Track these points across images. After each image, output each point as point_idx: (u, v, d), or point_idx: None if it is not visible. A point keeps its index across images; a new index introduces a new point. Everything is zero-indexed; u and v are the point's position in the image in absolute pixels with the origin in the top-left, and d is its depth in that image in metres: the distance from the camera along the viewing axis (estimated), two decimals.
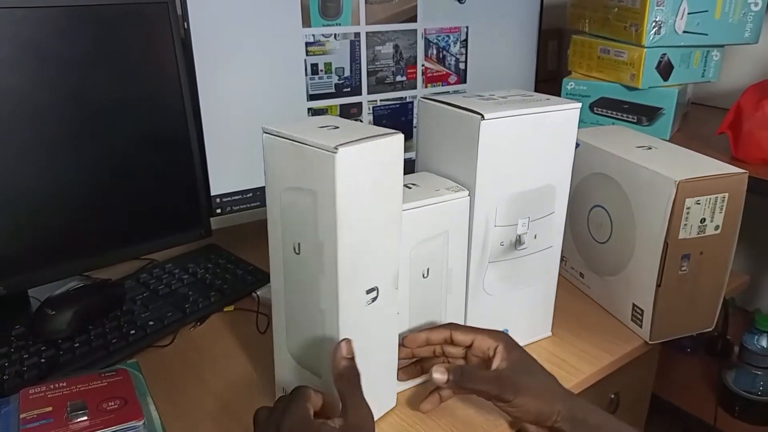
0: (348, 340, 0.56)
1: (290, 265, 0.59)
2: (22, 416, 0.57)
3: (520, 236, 0.71)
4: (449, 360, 0.67)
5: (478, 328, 0.65)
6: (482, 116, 0.63)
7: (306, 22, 0.91)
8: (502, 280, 0.73)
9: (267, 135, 0.56)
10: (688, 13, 1.04)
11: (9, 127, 0.73)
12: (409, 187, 0.66)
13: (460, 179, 0.67)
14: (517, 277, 0.73)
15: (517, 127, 0.66)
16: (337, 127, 0.56)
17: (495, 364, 0.62)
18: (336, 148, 0.51)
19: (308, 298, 0.58)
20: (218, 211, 0.92)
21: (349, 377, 0.54)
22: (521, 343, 0.77)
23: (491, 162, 0.66)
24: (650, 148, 0.80)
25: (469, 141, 0.65)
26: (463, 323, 0.71)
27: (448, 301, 0.69)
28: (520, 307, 0.76)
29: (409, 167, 1.05)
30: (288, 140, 0.54)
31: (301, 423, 0.51)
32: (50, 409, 0.58)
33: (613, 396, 0.91)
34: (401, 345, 0.66)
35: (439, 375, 0.60)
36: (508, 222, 0.70)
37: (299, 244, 0.57)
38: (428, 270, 0.67)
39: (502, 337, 0.64)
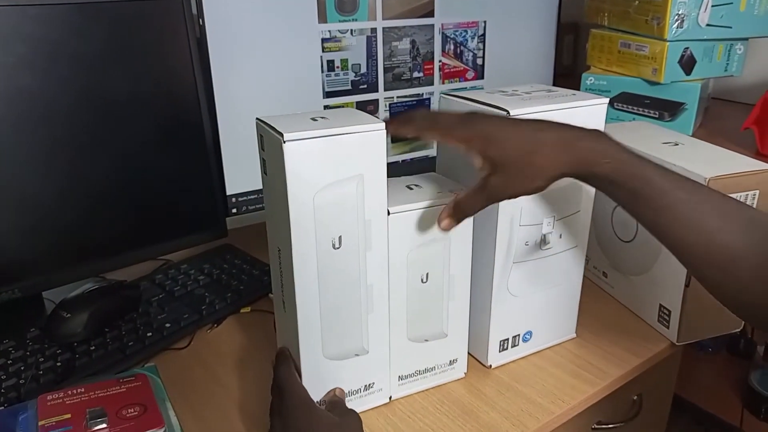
0: (342, 390, 0.63)
1: (327, 263, 0.58)
2: (40, 423, 0.56)
3: (545, 236, 0.69)
4: None
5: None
6: (508, 112, 0.61)
7: (322, 18, 0.89)
8: (527, 281, 0.71)
9: (292, 142, 0.52)
10: (712, 6, 1.01)
11: (21, 127, 0.72)
12: (411, 188, 0.65)
13: None
14: (541, 277, 0.72)
15: None
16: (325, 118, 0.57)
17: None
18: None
19: (352, 286, 0.60)
20: (234, 210, 0.91)
21: (339, 402, 0.61)
22: (545, 346, 0.76)
23: None
24: (676, 144, 0.79)
25: None
26: (467, 333, 0.70)
27: (450, 308, 0.67)
28: (544, 308, 0.74)
29: (427, 165, 1.04)
30: (317, 138, 0.53)
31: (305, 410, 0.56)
32: (69, 416, 0.57)
33: (635, 398, 0.89)
34: None
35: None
36: (533, 221, 0.68)
37: (340, 237, 0.57)
38: (427, 275, 0.65)
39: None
